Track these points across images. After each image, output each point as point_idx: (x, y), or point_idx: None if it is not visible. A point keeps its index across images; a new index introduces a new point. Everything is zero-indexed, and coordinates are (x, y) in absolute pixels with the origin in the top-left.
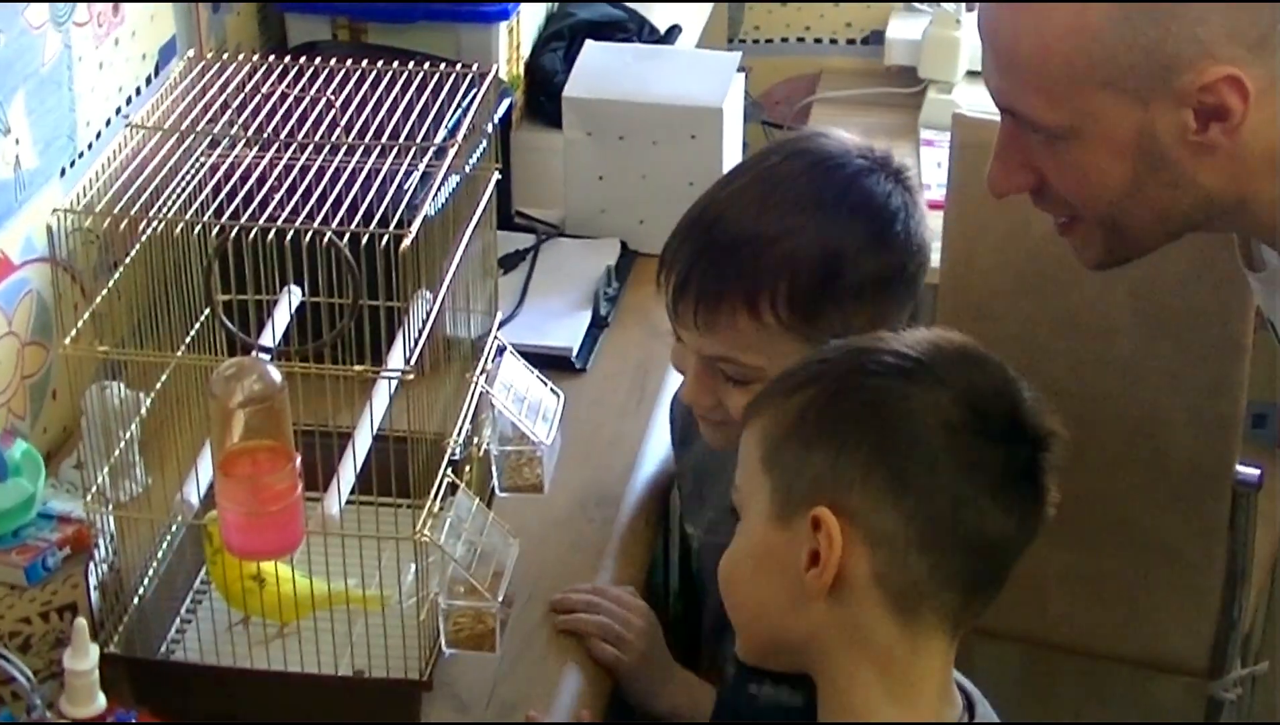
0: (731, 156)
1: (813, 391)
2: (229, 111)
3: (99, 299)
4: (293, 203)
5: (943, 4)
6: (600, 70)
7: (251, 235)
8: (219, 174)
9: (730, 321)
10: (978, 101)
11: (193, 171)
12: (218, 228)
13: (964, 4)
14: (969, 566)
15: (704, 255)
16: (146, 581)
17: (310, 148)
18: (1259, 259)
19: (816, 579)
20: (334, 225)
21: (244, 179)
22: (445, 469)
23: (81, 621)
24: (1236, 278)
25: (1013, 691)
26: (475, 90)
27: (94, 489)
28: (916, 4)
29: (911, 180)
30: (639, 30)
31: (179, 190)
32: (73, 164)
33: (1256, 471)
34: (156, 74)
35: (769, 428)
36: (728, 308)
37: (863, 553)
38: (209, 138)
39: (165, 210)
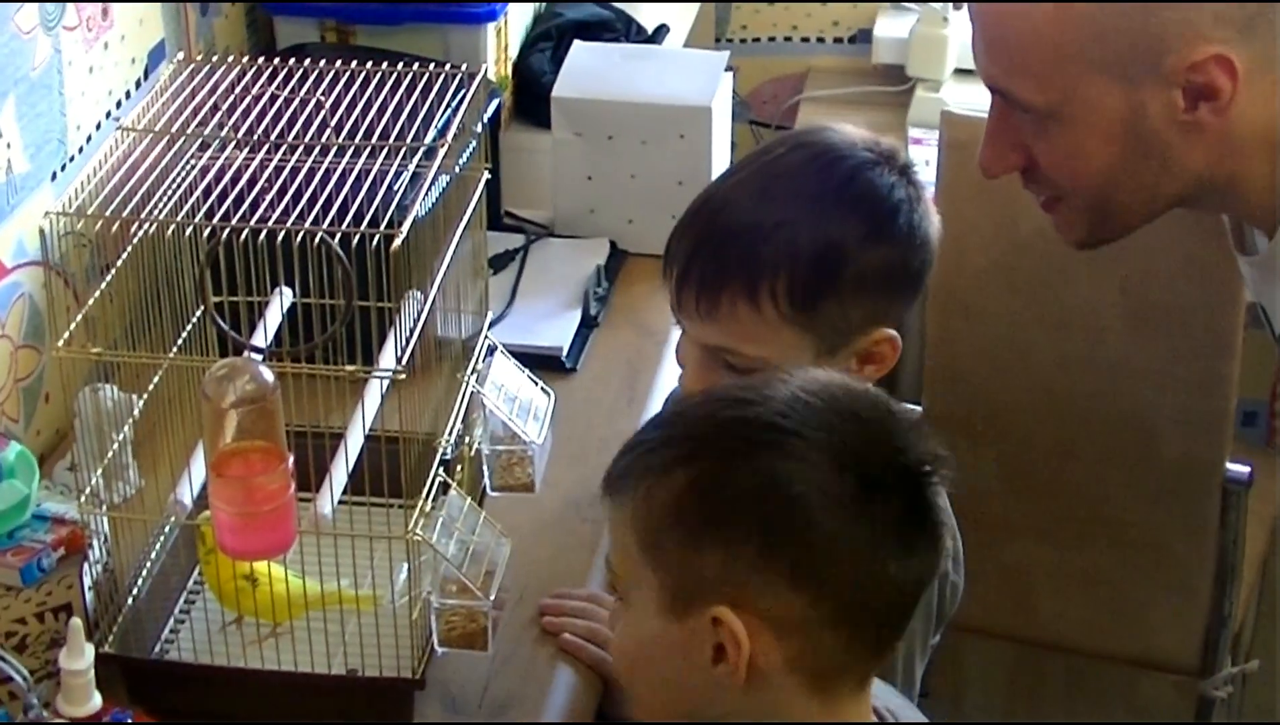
0: (720, 156)
1: (684, 478)
2: (219, 114)
3: (91, 302)
4: (283, 204)
5: (930, 2)
6: (588, 70)
7: (243, 237)
8: (210, 176)
9: (731, 311)
10: (966, 100)
11: (183, 174)
12: (209, 230)
13: (951, 2)
14: (883, 621)
15: (705, 244)
16: (140, 582)
17: (300, 149)
18: (1251, 242)
19: (728, 675)
20: (325, 226)
21: (234, 181)
22: (437, 469)
23: (77, 622)
24: (1225, 275)
25: (1002, 690)
26: (464, 91)
27: (88, 490)
28: (904, 2)
29: (916, 175)
30: (626, 30)
31: (170, 193)
32: (64, 168)
33: (1246, 469)
34: (146, 77)
35: (643, 513)
36: (728, 297)
37: (772, 643)
38: (199, 140)
39: (156, 213)
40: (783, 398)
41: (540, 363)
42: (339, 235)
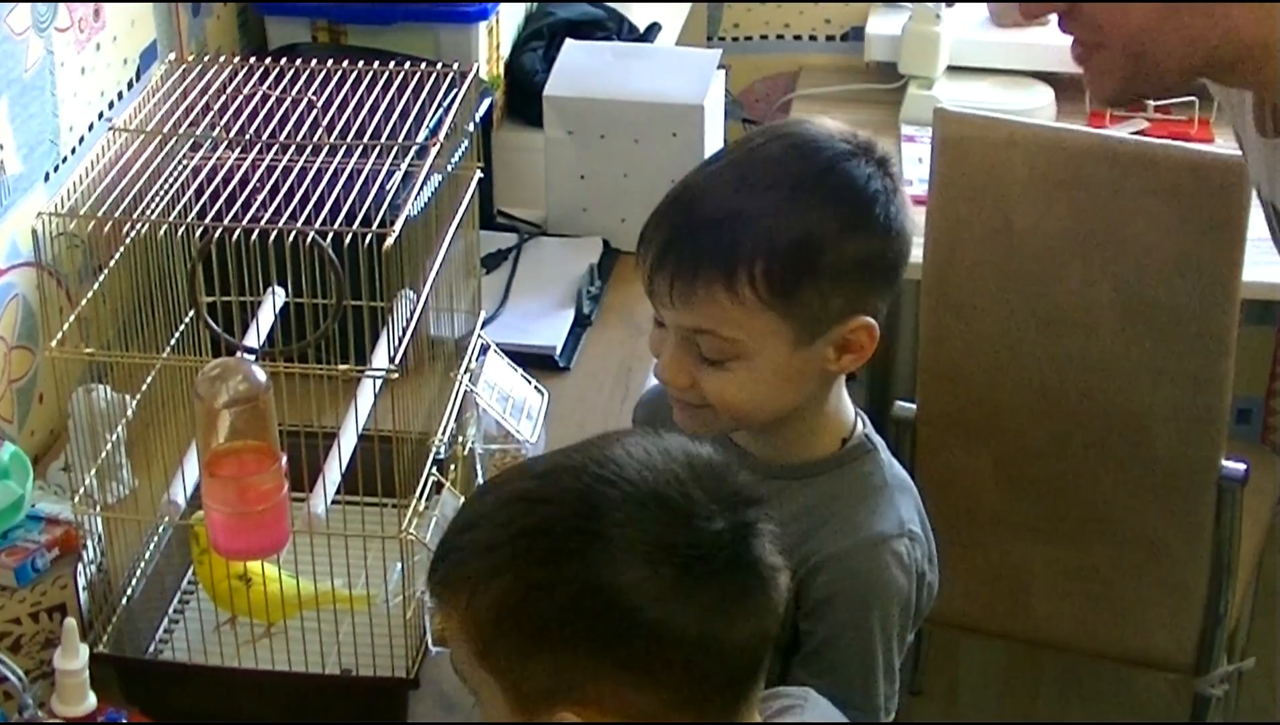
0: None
1: (498, 590)
2: (210, 114)
3: (84, 302)
4: (275, 204)
5: (922, 1)
6: (580, 69)
7: (235, 237)
8: (202, 176)
9: (707, 295)
10: (959, 96)
11: (176, 174)
12: (201, 230)
13: (944, 1)
14: (733, 679)
15: (681, 231)
16: (135, 582)
17: (292, 149)
18: (1271, 126)
19: None
20: (317, 225)
21: (227, 181)
22: (430, 468)
23: (71, 622)
24: (1220, 271)
25: (996, 688)
26: (456, 90)
27: (82, 491)
28: (896, 0)
29: (894, 168)
30: (618, 29)
31: (162, 193)
32: (56, 169)
33: (1242, 466)
34: (138, 78)
35: (470, 623)
36: (704, 282)
37: None
38: (191, 140)
39: (149, 213)
40: (579, 494)
41: (533, 362)
42: (331, 235)
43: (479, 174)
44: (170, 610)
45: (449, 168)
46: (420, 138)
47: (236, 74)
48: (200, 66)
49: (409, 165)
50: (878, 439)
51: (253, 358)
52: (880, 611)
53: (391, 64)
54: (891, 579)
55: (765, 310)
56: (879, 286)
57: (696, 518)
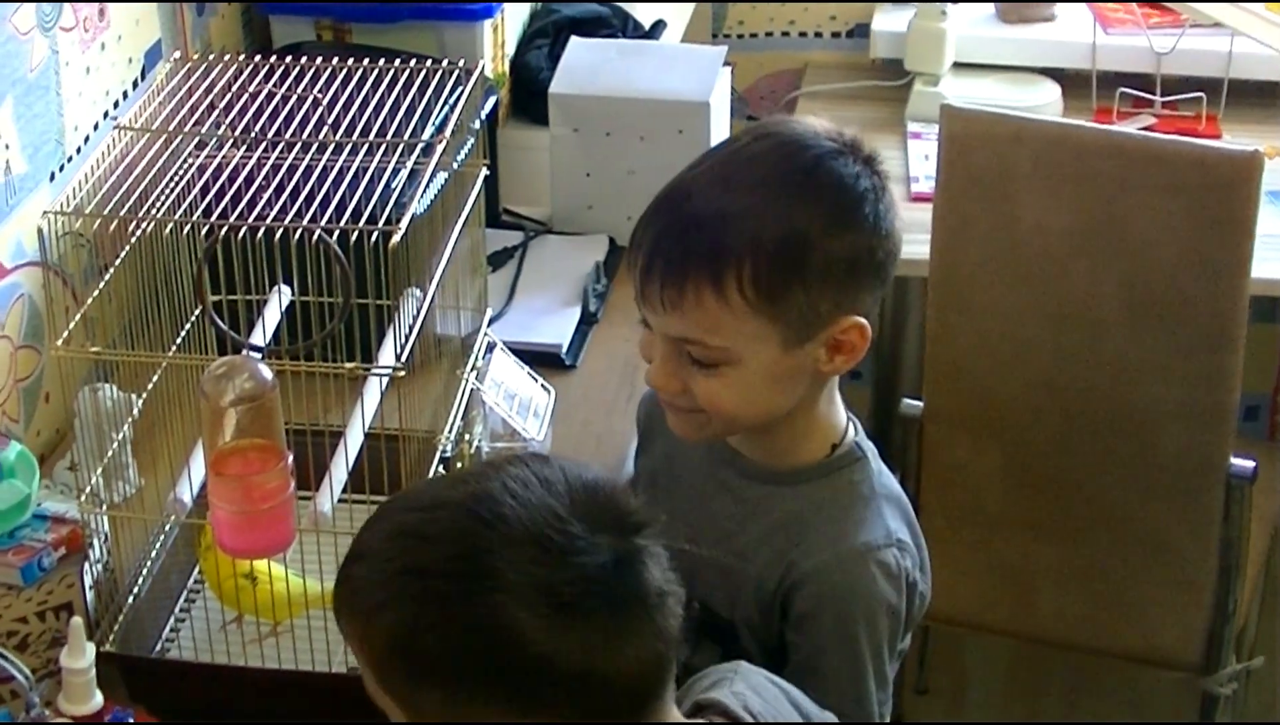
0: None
1: (387, 626)
2: (216, 112)
3: (90, 301)
4: (281, 202)
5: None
6: (586, 66)
7: (240, 235)
8: (207, 174)
9: (696, 300)
10: (965, 93)
11: (181, 173)
12: (207, 228)
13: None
14: (634, 701)
15: (669, 234)
16: (141, 581)
17: (297, 147)
18: None
19: None
20: (322, 224)
21: (232, 179)
22: (436, 466)
23: (78, 620)
24: (1228, 267)
25: (1002, 687)
26: (461, 87)
27: (88, 490)
28: None
29: (881, 166)
30: (623, 26)
31: (168, 191)
32: (62, 168)
33: (1251, 464)
34: (143, 78)
35: (366, 651)
36: (692, 286)
37: None
38: (196, 139)
39: (154, 212)
40: (458, 535)
41: (540, 360)
42: (337, 233)
43: (485, 171)
44: (176, 609)
45: (454, 165)
46: (426, 135)
47: (241, 72)
48: (205, 65)
49: (414, 163)
50: (868, 446)
51: (259, 356)
52: (867, 623)
53: (396, 62)
54: (877, 590)
55: (754, 314)
56: (868, 285)
57: (575, 554)
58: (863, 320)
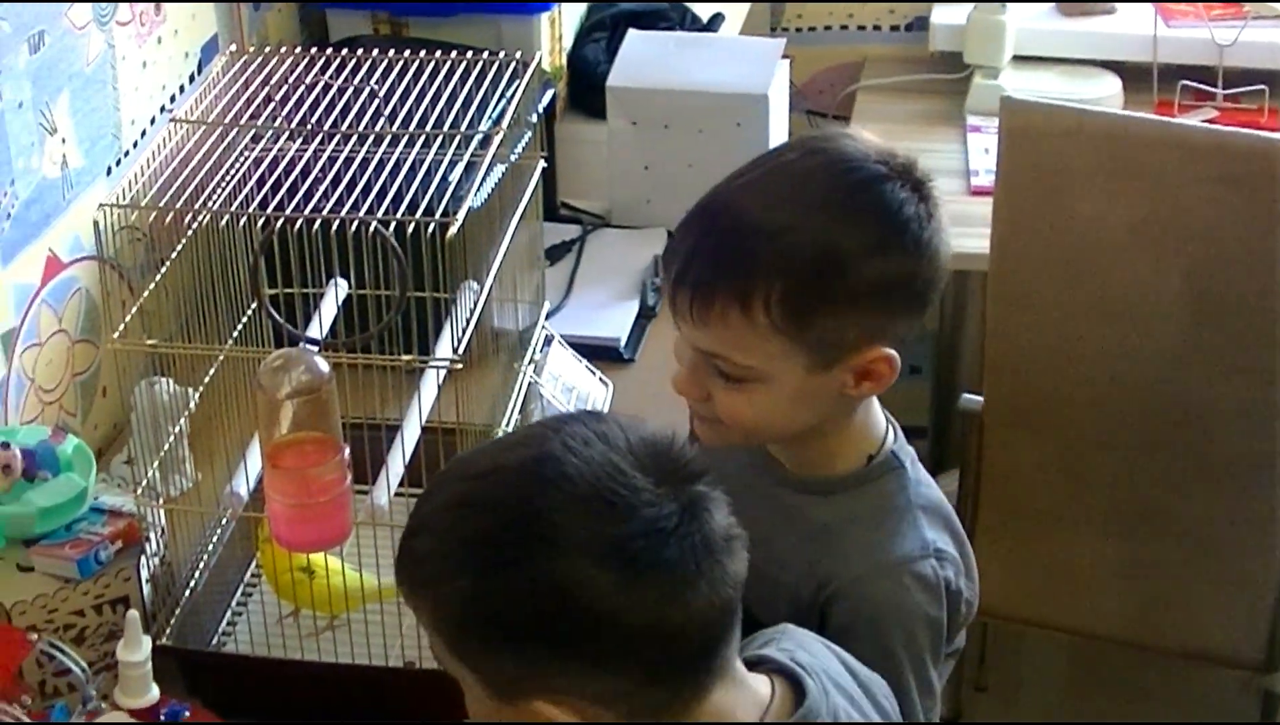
0: (778, 144)
1: (458, 592)
2: (272, 105)
3: (145, 295)
4: (337, 194)
5: None
6: (644, 59)
7: (296, 227)
8: (263, 167)
9: (722, 317)
10: (1024, 86)
11: (237, 165)
12: (263, 220)
13: None
14: (703, 644)
15: (702, 248)
16: (197, 574)
17: (354, 139)
18: None
19: None
20: (379, 215)
21: (288, 171)
22: None
23: (134, 614)
24: None
25: (1059, 684)
26: (518, 80)
27: (144, 483)
28: None
29: (931, 191)
30: (681, 20)
31: (223, 184)
32: (118, 162)
33: None
34: (199, 72)
35: (438, 620)
36: (720, 304)
37: (602, 710)
38: (252, 131)
39: (210, 204)
40: (520, 498)
41: (598, 353)
42: (393, 225)
43: (542, 164)
44: (233, 603)
45: (511, 158)
46: (482, 128)
47: (298, 65)
48: (261, 57)
49: (471, 155)
50: (907, 454)
51: (315, 349)
52: (904, 636)
53: (453, 54)
54: (914, 602)
55: (779, 335)
56: (902, 314)
57: (642, 507)
58: (891, 352)
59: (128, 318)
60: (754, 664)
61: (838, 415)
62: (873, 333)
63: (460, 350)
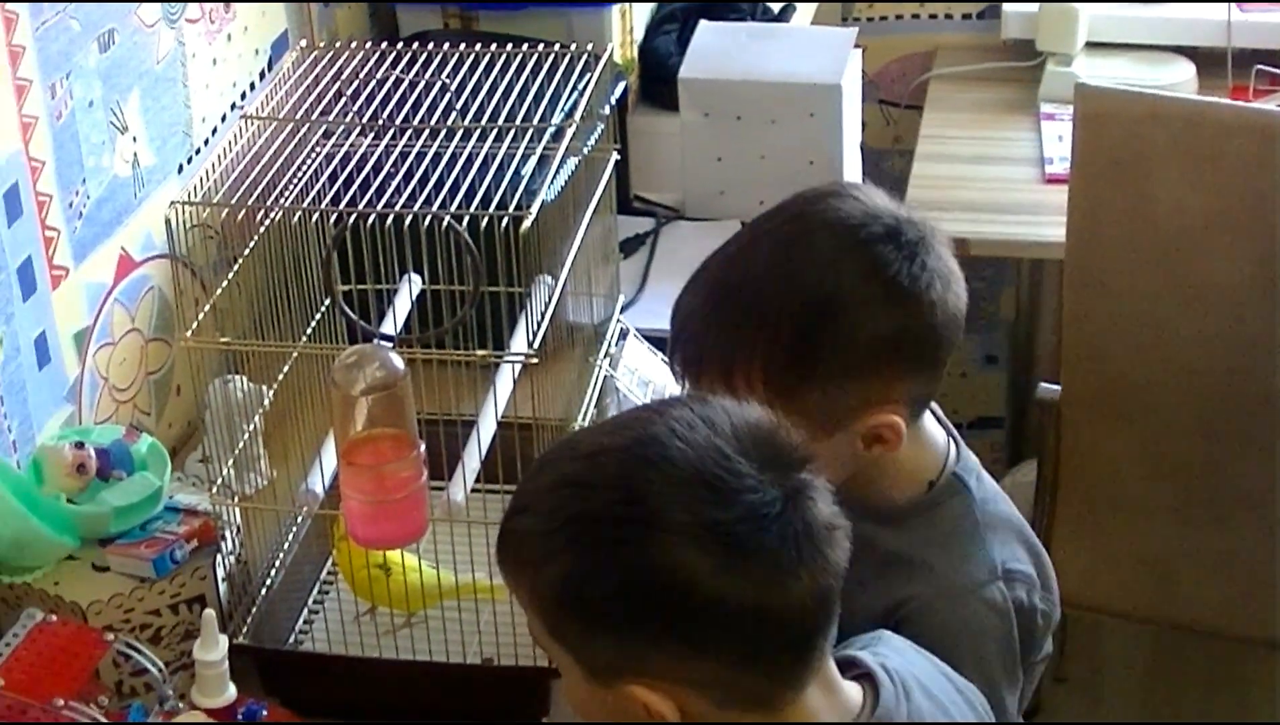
0: (851, 134)
1: (559, 573)
2: (343, 100)
3: (218, 292)
4: (409, 189)
5: None
6: (715, 50)
7: (369, 222)
8: (335, 163)
9: (713, 391)
10: (1098, 72)
11: (308, 161)
12: (335, 216)
13: None
14: (799, 635)
15: (689, 323)
16: (273, 572)
17: (426, 133)
18: None
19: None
20: (452, 210)
21: (360, 167)
22: None
23: (210, 613)
24: None
25: (1141, 674)
26: (589, 73)
27: (219, 482)
28: None
29: (922, 248)
30: (752, 11)
31: (295, 180)
32: (190, 160)
33: None
34: (269, 69)
35: (536, 601)
36: (706, 381)
37: (696, 695)
38: (324, 127)
39: (283, 201)
40: (624, 479)
41: None
42: (466, 219)
43: (615, 156)
44: (310, 601)
45: (584, 151)
46: (555, 121)
47: (368, 60)
48: (331, 53)
49: (544, 149)
50: (970, 470)
51: (389, 345)
52: (975, 659)
53: (524, 47)
54: (982, 626)
55: (772, 406)
56: (901, 374)
57: (745, 492)
58: (894, 418)
59: (201, 315)
60: (844, 665)
61: (868, 466)
62: (872, 397)
63: (535, 345)
